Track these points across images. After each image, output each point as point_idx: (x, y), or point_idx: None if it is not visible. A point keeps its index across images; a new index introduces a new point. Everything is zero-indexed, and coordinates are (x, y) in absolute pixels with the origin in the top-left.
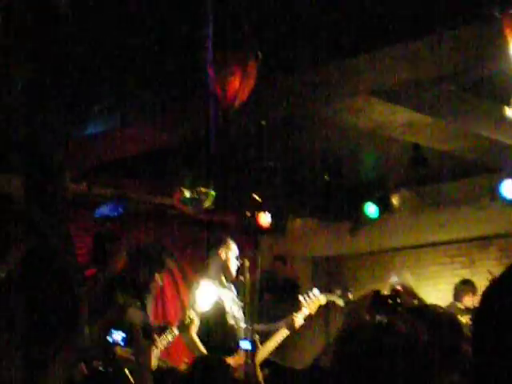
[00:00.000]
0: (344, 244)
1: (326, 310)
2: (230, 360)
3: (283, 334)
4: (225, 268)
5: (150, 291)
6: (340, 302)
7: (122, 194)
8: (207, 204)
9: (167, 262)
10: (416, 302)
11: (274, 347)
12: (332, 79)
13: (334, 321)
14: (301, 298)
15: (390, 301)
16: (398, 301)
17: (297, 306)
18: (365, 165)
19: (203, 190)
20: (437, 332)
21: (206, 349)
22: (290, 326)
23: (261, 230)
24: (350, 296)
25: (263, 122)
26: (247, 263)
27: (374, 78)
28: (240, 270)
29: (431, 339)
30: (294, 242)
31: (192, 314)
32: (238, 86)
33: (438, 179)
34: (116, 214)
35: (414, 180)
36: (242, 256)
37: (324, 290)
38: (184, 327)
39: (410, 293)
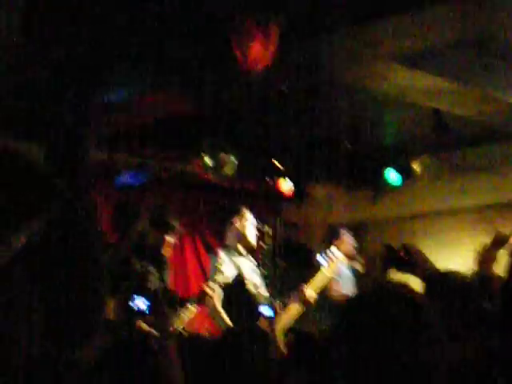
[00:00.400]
0: (364, 211)
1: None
2: None
3: (296, 309)
4: (241, 237)
5: (162, 255)
6: (361, 269)
7: (143, 161)
8: (228, 171)
9: (175, 225)
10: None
11: (290, 320)
12: (352, 45)
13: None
14: (319, 257)
15: (402, 256)
16: (410, 257)
17: (314, 270)
18: (386, 131)
19: (224, 156)
20: (457, 298)
21: (228, 317)
22: (302, 300)
23: (282, 197)
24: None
25: (285, 89)
26: (268, 230)
27: (395, 43)
28: (261, 237)
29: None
30: (314, 208)
31: (213, 285)
32: (260, 51)
33: (459, 145)
34: (137, 182)
35: (435, 146)
36: (263, 223)
37: None
38: (205, 299)
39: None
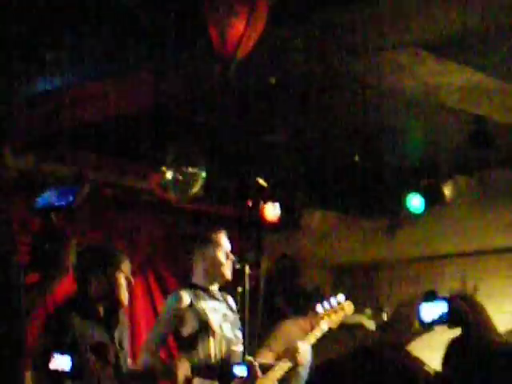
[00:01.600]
0: (378, 248)
1: (351, 334)
2: None
3: (285, 367)
4: (213, 271)
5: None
6: (370, 325)
7: (80, 173)
8: (196, 189)
9: (124, 264)
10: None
11: (277, 380)
12: (366, 25)
13: None
14: (319, 307)
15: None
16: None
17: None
18: (408, 143)
19: (191, 170)
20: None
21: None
22: (294, 359)
23: (266, 226)
24: (385, 317)
25: (273, 80)
26: (248, 269)
27: (425, 24)
28: (238, 278)
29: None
30: (311, 242)
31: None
32: (243, 30)
33: (506, 164)
34: (65, 202)
35: (474, 164)
36: (241, 259)
37: None
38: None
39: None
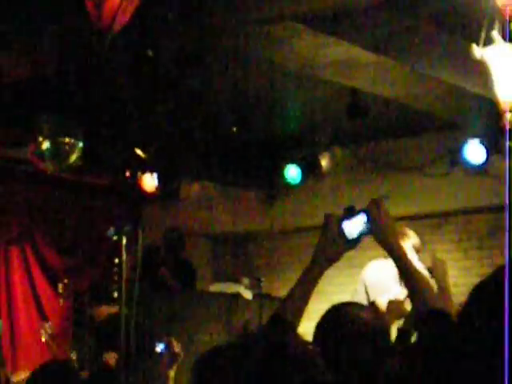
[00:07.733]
0: (255, 218)
1: (228, 304)
2: None
3: None
4: None
5: None
6: (247, 295)
7: None
8: (73, 159)
9: None
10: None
11: None
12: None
13: (238, 320)
14: None
15: None
16: None
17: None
18: (286, 114)
19: (67, 140)
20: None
21: None
22: None
23: (144, 197)
24: (262, 286)
25: (150, 53)
26: (124, 241)
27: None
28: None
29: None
30: (189, 213)
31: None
32: (119, 3)
33: (381, 135)
34: None
35: (349, 136)
36: (117, 230)
37: (227, 277)
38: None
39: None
